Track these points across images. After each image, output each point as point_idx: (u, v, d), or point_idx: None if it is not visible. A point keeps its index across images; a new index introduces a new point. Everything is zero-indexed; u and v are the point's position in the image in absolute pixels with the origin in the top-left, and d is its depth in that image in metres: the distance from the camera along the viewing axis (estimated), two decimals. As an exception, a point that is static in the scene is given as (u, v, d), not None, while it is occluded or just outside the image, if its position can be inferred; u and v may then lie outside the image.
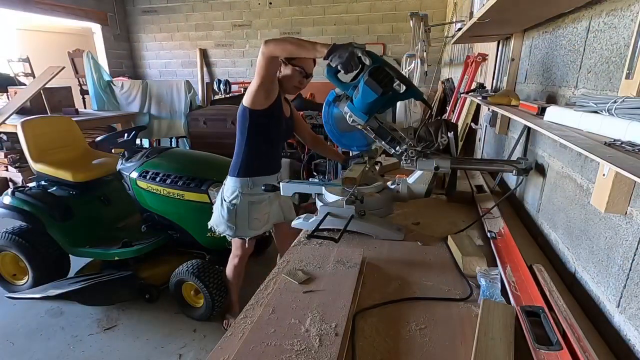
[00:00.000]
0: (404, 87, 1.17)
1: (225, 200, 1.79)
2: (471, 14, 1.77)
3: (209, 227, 1.91)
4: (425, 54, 3.53)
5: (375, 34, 5.86)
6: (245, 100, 1.64)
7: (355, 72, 1.18)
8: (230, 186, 1.78)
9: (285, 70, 1.68)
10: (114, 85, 5.21)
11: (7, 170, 4.01)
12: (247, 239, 1.89)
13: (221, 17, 6.44)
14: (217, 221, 1.85)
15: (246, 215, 1.79)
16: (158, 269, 2.46)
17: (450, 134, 1.48)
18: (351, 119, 1.22)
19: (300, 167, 3.56)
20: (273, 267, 1.10)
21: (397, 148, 1.26)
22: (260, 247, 2.84)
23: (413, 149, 1.25)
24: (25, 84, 4.69)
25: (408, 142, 1.25)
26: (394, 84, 1.14)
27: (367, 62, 1.13)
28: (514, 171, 1.28)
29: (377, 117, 1.24)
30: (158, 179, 2.33)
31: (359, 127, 1.24)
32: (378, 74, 1.11)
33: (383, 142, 1.26)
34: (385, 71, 1.12)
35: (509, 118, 1.60)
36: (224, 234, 1.87)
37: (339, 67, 1.18)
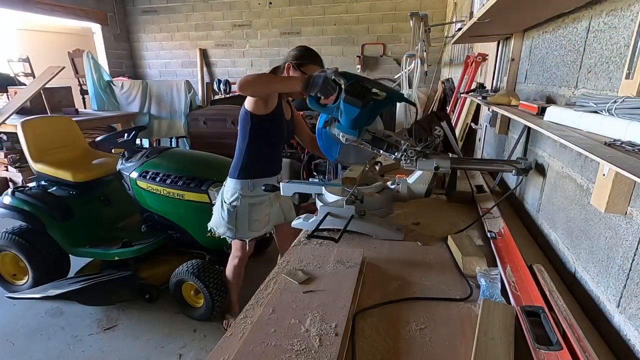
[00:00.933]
0: (384, 94, 1.19)
1: (225, 202, 1.79)
2: (471, 14, 1.77)
3: (209, 228, 1.91)
4: (425, 54, 3.54)
5: (375, 34, 5.86)
6: (247, 105, 1.64)
7: (335, 96, 1.23)
8: (230, 188, 1.78)
9: (294, 76, 1.68)
10: (114, 85, 5.21)
11: (7, 170, 4.01)
12: (247, 241, 1.89)
13: (221, 17, 6.44)
14: (217, 223, 1.85)
15: (246, 217, 1.79)
16: (158, 269, 2.46)
17: (443, 123, 1.49)
18: (344, 138, 1.25)
19: (300, 167, 3.56)
20: (273, 267, 1.10)
21: (396, 153, 1.27)
22: (260, 247, 2.84)
23: (412, 149, 1.25)
24: (25, 84, 4.69)
25: (405, 143, 1.26)
26: (373, 94, 1.16)
27: (342, 82, 1.18)
28: (514, 171, 1.28)
29: (368, 129, 1.27)
30: (158, 179, 2.33)
31: (354, 143, 1.27)
32: (354, 89, 1.15)
33: (382, 151, 1.28)
34: (361, 84, 1.16)
35: (509, 118, 1.60)
36: (224, 236, 1.87)
37: (318, 94, 1.23)
